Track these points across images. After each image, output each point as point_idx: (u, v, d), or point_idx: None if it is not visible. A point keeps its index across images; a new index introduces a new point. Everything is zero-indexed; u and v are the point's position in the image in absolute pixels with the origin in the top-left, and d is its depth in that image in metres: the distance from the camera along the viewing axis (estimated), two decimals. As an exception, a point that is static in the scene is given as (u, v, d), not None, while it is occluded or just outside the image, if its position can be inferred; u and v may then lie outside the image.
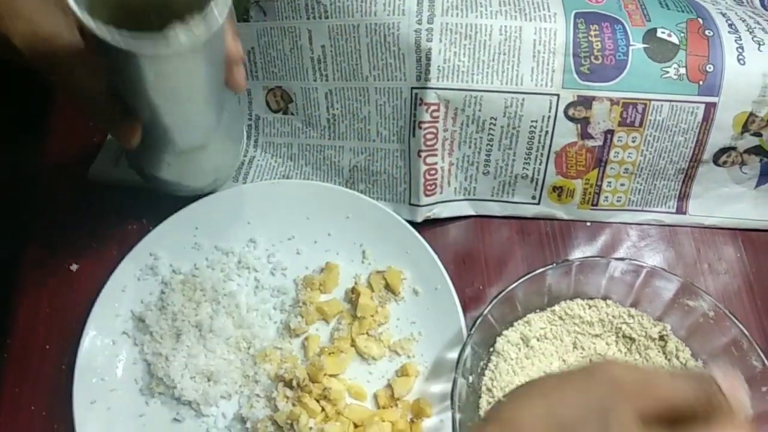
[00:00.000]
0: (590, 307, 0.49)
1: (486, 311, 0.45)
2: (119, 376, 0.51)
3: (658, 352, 0.48)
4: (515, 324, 0.49)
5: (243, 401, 0.50)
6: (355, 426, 0.48)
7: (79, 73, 0.41)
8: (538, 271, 0.47)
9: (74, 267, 0.56)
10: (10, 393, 0.52)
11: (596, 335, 0.49)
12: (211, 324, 0.52)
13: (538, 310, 0.49)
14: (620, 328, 0.48)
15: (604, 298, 0.49)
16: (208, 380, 0.50)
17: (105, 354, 0.51)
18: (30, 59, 0.40)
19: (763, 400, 0.43)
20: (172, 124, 0.45)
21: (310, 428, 0.47)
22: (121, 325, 0.53)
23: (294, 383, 0.48)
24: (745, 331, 0.44)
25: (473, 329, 0.45)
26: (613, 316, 0.49)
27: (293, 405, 0.48)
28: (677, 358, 0.47)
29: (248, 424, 0.48)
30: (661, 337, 0.48)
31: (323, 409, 0.48)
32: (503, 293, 0.46)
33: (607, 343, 0.49)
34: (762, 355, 0.43)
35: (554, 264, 0.47)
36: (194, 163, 0.52)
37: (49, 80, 0.42)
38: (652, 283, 0.48)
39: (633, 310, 0.49)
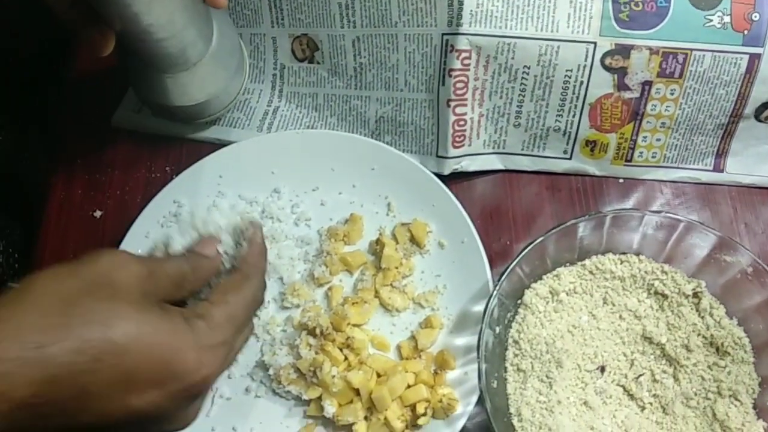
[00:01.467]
0: (622, 262, 0.48)
1: (515, 263, 0.44)
2: (142, 321, 0.51)
3: (691, 309, 0.46)
4: (544, 277, 0.47)
5: (266, 348, 0.50)
6: (378, 375, 0.47)
7: None
8: (569, 223, 0.45)
9: (98, 214, 0.56)
10: (35, 336, 0.52)
11: (627, 291, 0.47)
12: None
13: (568, 264, 0.48)
14: (652, 284, 0.47)
15: (637, 254, 0.48)
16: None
17: (128, 299, 0.51)
18: None
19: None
20: (149, 37, 0.46)
21: (333, 376, 0.46)
22: (144, 271, 0.52)
23: (317, 331, 0.48)
24: None
25: (501, 280, 0.44)
26: (646, 272, 0.47)
27: (316, 353, 0.47)
28: (711, 315, 0.46)
29: (270, 371, 0.48)
30: (695, 294, 0.46)
31: (346, 358, 0.48)
32: (534, 244, 0.44)
33: (638, 300, 0.47)
34: None
35: (587, 216, 0.46)
36: (190, 84, 0.52)
37: None
38: (687, 238, 0.46)
39: (666, 266, 0.47)
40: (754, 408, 0.44)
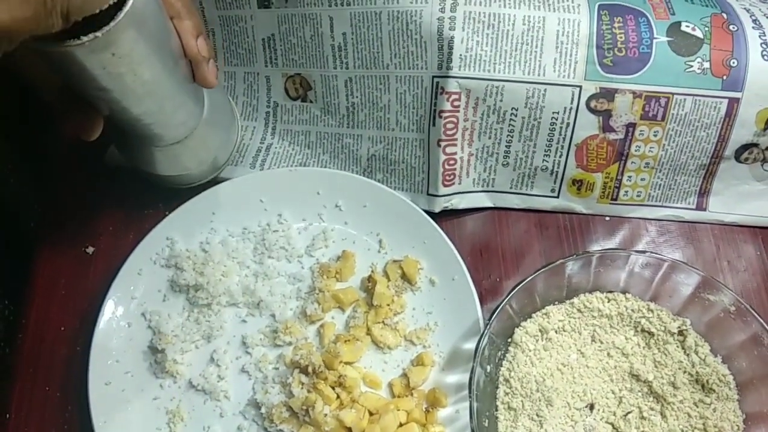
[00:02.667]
0: (609, 300, 0.49)
1: (505, 301, 0.45)
2: (134, 358, 0.51)
3: (677, 347, 0.47)
4: (533, 315, 0.48)
5: (258, 387, 0.50)
6: (370, 414, 0.48)
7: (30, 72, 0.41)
8: (558, 263, 0.46)
9: (90, 250, 0.56)
10: (26, 373, 0.52)
11: (615, 329, 0.48)
12: (228, 308, 0.52)
13: (556, 302, 0.49)
14: (639, 322, 0.48)
15: (624, 292, 0.49)
16: (225, 365, 0.50)
17: (120, 336, 0.51)
18: None
19: (783, 397, 0.43)
20: (137, 121, 0.45)
21: (325, 415, 0.46)
22: (137, 308, 0.53)
23: (309, 369, 0.48)
24: (767, 327, 0.44)
25: (492, 319, 0.45)
26: (632, 310, 0.48)
27: (308, 391, 0.48)
28: (696, 353, 0.47)
29: (263, 410, 0.48)
30: (681, 332, 0.47)
31: (338, 396, 0.48)
32: (523, 283, 0.45)
33: (626, 337, 0.48)
34: None
35: (574, 255, 0.47)
36: (180, 154, 0.52)
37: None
38: (672, 277, 0.47)
39: (652, 305, 0.48)
40: None
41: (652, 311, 0.48)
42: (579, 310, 0.49)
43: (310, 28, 0.56)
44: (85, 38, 0.36)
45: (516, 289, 0.45)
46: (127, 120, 0.45)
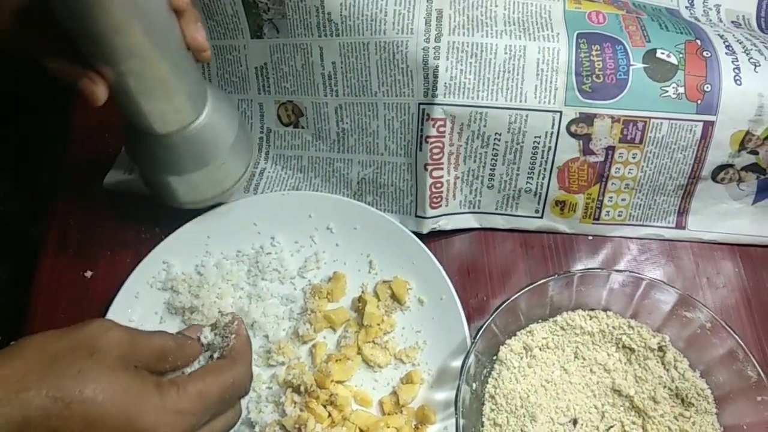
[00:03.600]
0: (591, 318, 0.50)
1: (490, 320, 0.47)
2: (131, 380, 0.52)
3: (657, 362, 0.49)
4: (518, 333, 0.50)
5: (251, 406, 0.51)
6: (361, 431, 0.49)
7: (35, 37, 0.43)
8: (540, 282, 0.48)
9: (89, 274, 0.58)
10: (25, 395, 0.53)
11: (596, 345, 0.50)
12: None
13: (540, 321, 0.51)
14: (620, 339, 0.50)
15: (605, 310, 0.51)
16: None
17: (118, 358, 0.53)
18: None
19: (757, 409, 0.45)
20: (143, 83, 0.46)
21: (317, 433, 0.48)
22: (134, 331, 0.54)
23: (302, 389, 0.49)
24: (741, 342, 0.45)
25: (477, 338, 0.46)
26: (614, 327, 0.50)
27: (301, 410, 0.49)
28: (675, 368, 0.48)
29: (257, 428, 0.50)
30: (660, 348, 0.49)
31: (330, 415, 0.49)
32: (506, 303, 0.47)
33: (607, 353, 0.50)
34: (757, 365, 0.45)
35: (556, 275, 0.48)
36: (202, 183, 0.53)
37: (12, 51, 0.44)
38: (651, 295, 0.49)
39: (633, 321, 0.50)
40: None
41: (632, 328, 0.50)
42: (562, 328, 0.50)
43: (301, 58, 0.58)
44: None
45: (500, 308, 0.47)
46: (129, 83, 0.45)
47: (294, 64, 0.58)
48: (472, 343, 0.46)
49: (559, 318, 0.50)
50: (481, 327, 0.46)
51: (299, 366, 0.52)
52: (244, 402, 0.52)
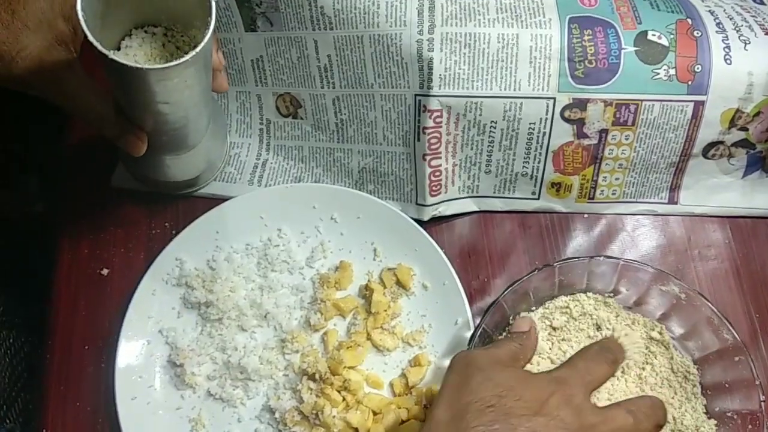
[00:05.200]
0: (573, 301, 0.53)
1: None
2: (155, 372, 0.56)
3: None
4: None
5: (270, 393, 0.54)
6: (374, 413, 0.53)
7: (88, 97, 0.47)
8: (524, 278, 0.50)
9: (105, 272, 0.60)
10: (56, 390, 0.57)
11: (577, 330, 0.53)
12: (237, 321, 0.56)
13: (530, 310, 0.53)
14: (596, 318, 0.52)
15: (586, 291, 0.53)
16: (241, 373, 0.54)
17: (141, 353, 0.56)
18: (38, 90, 0.44)
19: (737, 369, 0.48)
20: (175, 129, 0.51)
21: (334, 417, 0.51)
22: (154, 326, 0.57)
23: (317, 376, 0.53)
24: (715, 309, 0.48)
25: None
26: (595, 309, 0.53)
27: (317, 396, 0.52)
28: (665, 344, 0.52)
29: (276, 414, 0.53)
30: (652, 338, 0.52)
31: (344, 399, 0.53)
32: (495, 303, 0.49)
33: (588, 336, 0.52)
34: (732, 329, 0.48)
35: (535, 270, 0.50)
36: (190, 161, 0.57)
37: (58, 105, 0.46)
38: (628, 274, 0.51)
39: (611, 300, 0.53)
40: (706, 413, 0.50)
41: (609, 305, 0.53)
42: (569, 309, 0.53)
43: (296, 51, 0.58)
44: (188, 56, 0.41)
45: (490, 309, 0.49)
46: (165, 130, 0.51)
47: (290, 56, 0.59)
48: (471, 339, 0.48)
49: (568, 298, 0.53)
50: (474, 332, 0.49)
51: (313, 353, 0.55)
52: (263, 388, 0.55)
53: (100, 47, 0.41)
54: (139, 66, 0.41)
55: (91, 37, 0.41)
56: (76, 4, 0.40)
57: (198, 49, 0.42)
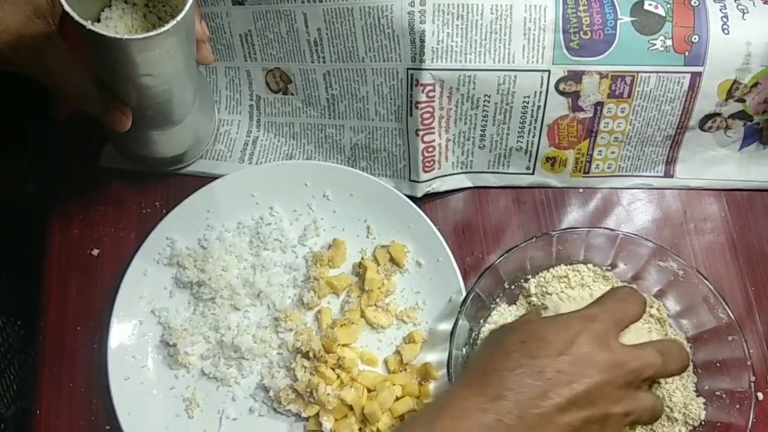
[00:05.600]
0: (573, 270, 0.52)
1: (473, 288, 0.49)
2: (148, 352, 0.55)
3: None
4: (497, 300, 0.52)
5: (264, 372, 0.54)
6: (369, 391, 0.52)
7: (68, 72, 0.45)
8: (521, 245, 0.50)
9: (95, 252, 0.60)
10: (49, 371, 0.56)
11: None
12: (230, 300, 0.56)
13: (523, 279, 0.53)
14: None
15: (585, 263, 0.52)
16: (234, 352, 0.54)
17: (134, 334, 0.55)
18: (17, 65, 0.43)
19: (730, 348, 0.48)
20: (160, 102, 0.50)
21: (328, 395, 0.51)
22: (146, 306, 0.56)
23: (311, 354, 0.52)
24: (712, 288, 0.48)
25: (463, 307, 0.48)
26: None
27: (311, 374, 0.52)
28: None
29: (271, 393, 0.53)
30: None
31: (339, 377, 0.52)
32: (488, 269, 0.49)
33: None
34: (727, 308, 0.48)
35: (534, 238, 0.50)
36: (176, 136, 0.57)
37: (39, 81, 0.45)
38: (627, 247, 0.51)
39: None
40: (696, 391, 0.50)
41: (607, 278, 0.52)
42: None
43: (285, 24, 0.57)
44: (168, 25, 0.41)
45: (481, 276, 0.49)
46: (150, 104, 0.50)
47: (279, 30, 0.58)
48: (459, 311, 0.48)
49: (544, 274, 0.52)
50: (467, 296, 0.49)
51: (306, 332, 0.54)
52: (257, 367, 0.55)
53: (78, 18, 0.40)
54: (118, 37, 0.40)
55: (68, 8, 0.40)
56: None
57: (179, 17, 0.41)
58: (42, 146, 0.64)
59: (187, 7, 0.41)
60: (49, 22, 0.43)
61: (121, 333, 0.55)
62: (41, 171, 0.65)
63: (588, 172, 0.58)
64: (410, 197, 0.57)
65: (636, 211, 0.59)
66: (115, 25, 0.45)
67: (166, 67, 0.45)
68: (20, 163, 0.76)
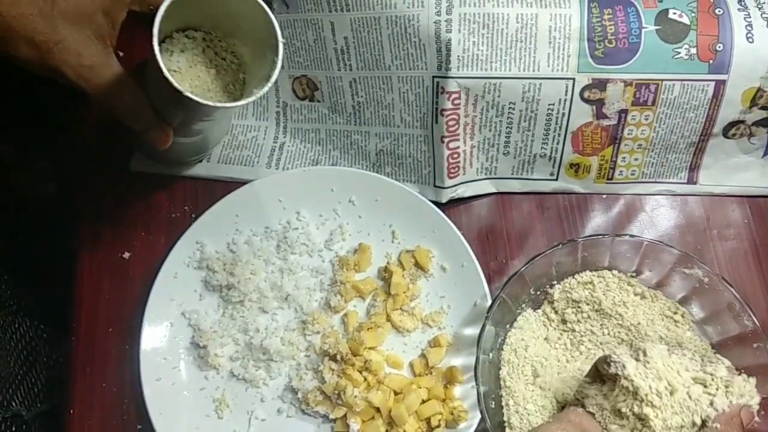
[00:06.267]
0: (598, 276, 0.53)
1: (500, 293, 0.50)
2: (180, 354, 0.57)
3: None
4: (523, 305, 0.53)
5: (292, 373, 0.55)
6: (395, 393, 0.53)
7: (123, 93, 0.46)
8: (546, 252, 0.50)
9: (127, 255, 0.61)
10: (82, 372, 0.58)
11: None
12: (258, 303, 0.57)
13: (548, 285, 0.53)
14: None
15: (610, 269, 0.53)
16: (263, 354, 0.55)
17: (165, 335, 0.57)
18: (73, 83, 0.44)
19: (754, 355, 0.48)
20: (202, 128, 0.54)
21: (355, 397, 0.52)
22: (176, 309, 0.58)
23: (338, 357, 0.53)
24: (737, 295, 0.48)
25: (490, 312, 0.49)
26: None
27: (339, 377, 0.53)
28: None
29: (299, 394, 0.54)
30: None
31: (365, 379, 0.53)
32: (514, 276, 0.50)
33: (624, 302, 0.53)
34: (753, 316, 0.48)
35: (560, 244, 0.51)
36: (201, 140, 0.59)
37: (91, 98, 0.46)
38: (652, 254, 0.51)
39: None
40: None
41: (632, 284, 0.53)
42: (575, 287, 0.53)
43: (313, 33, 0.58)
44: (258, 93, 0.45)
45: (508, 282, 0.50)
46: (194, 129, 0.54)
47: (306, 38, 0.59)
48: (486, 317, 0.49)
49: (568, 281, 0.53)
50: (494, 302, 0.49)
51: (333, 334, 0.55)
52: (285, 369, 0.56)
53: (177, 85, 0.42)
54: (212, 104, 0.43)
55: (166, 73, 0.42)
56: (153, 39, 0.41)
57: (266, 88, 0.44)
58: (68, 148, 0.65)
59: (273, 78, 0.45)
60: (107, 44, 0.45)
61: (152, 335, 0.56)
62: (64, 173, 0.66)
63: (611, 179, 0.59)
64: (434, 202, 0.58)
65: (659, 217, 0.59)
66: (177, 60, 0.47)
67: (225, 114, 0.48)
68: (40, 165, 0.77)
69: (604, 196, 0.60)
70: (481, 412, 0.47)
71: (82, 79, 0.43)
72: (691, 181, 0.59)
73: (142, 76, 0.47)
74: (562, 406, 0.50)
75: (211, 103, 0.43)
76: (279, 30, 0.45)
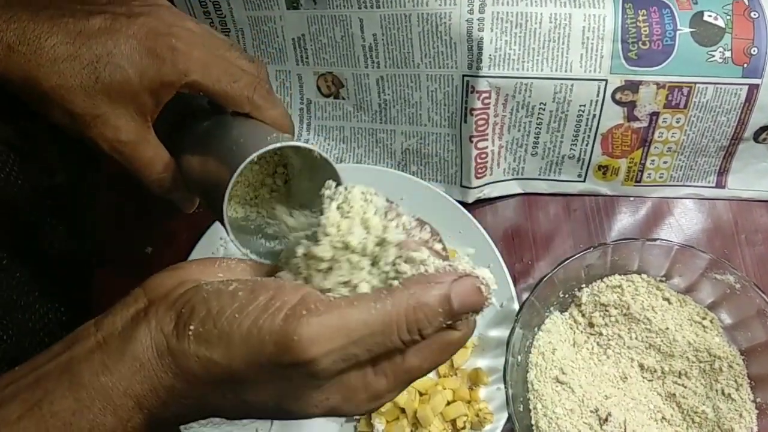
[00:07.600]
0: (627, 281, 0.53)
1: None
2: (202, 351, 0.56)
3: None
4: (551, 308, 0.52)
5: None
6: (420, 394, 0.53)
7: (156, 166, 0.45)
8: (577, 255, 0.50)
9: (149, 250, 0.61)
10: (103, 367, 0.57)
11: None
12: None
13: (577, 288, 0.53)
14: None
15: (639, 273, 0.53)
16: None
17: (187, 332, 0.56)
18: (106, 151, 0.43)
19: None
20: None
21: (380, 397, 0.52)
22: (199, 305, 0.57)
23: (363, 357, 0.53)
24: None
25: (519, 314, 0.49)
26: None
27: (364, 377, 0.53)
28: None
29: (323, 394, 0.54)
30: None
31: (390, 380, 0.53)
32: (545, 278, 0.49)
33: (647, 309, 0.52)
34: None
35: (591, 248, 0.50)
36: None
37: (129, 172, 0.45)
38: (682, 258, 0.51)
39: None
40: (753, 402, 0.50)
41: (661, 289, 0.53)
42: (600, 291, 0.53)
43: (341, 29, 0.57)
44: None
45: (538, 285, 0.49)
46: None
47: (333, 35, 0.58)
48: (515, 320, 0.49)
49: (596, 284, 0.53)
50: (523, 304, 0.49)
51: (358, 334, 0.55)
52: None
53: (240, 247, 0.40)
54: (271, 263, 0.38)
55: (236, 243, 0.40)
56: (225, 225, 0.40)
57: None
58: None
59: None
60: (147, 119, 0.43)
61: (175, 331, 0.56)
62: (72, 162, 0.65)
63: (640, 181, 0.58)
64: (460, 202, 0.58)
65: (686, 220, 0.59)
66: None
67: None
68: (47, 155, 0.76)
69: (632, 198, 0.60)
70: (510, 416, 0.47)
71: (117, 153, 0.42)
72: (720, 184, 0.59)
73: (177, 143, 0.45)
74: (590, 410, 0.49)
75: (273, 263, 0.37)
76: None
